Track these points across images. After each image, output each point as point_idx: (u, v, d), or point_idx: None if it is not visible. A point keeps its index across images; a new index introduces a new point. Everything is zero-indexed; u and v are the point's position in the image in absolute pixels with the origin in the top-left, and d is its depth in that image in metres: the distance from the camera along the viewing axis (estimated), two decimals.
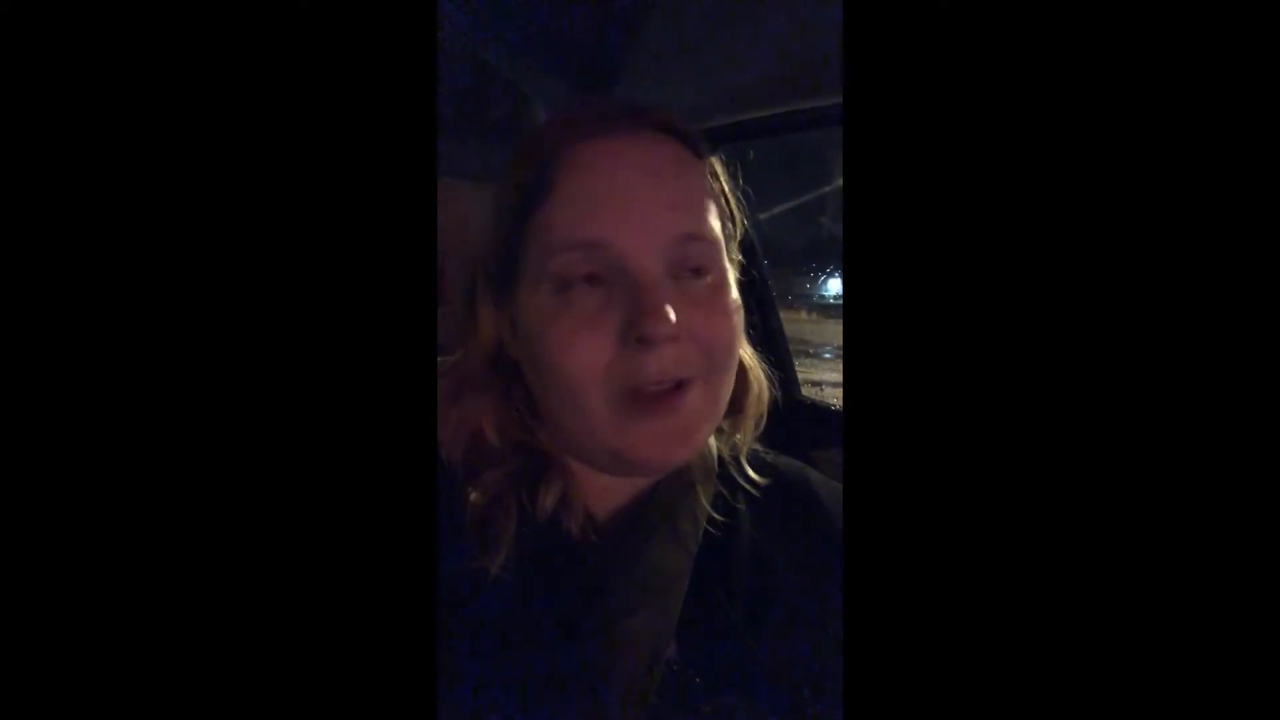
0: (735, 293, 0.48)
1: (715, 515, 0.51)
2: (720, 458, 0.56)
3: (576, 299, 0.44)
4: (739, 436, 0.55)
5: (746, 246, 0.53)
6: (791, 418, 1.26)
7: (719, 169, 0.51)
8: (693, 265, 0.45)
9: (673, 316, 0.42)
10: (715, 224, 0.47)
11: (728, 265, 0.49)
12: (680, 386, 0.44)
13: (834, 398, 1.36)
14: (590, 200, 0.44)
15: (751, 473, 0.55)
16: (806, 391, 1.40)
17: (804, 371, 1.45)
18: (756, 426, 0.55)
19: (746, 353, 0.54)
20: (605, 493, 0.51)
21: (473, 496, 0.46)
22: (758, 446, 0.58)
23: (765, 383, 0.55)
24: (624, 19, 0.68)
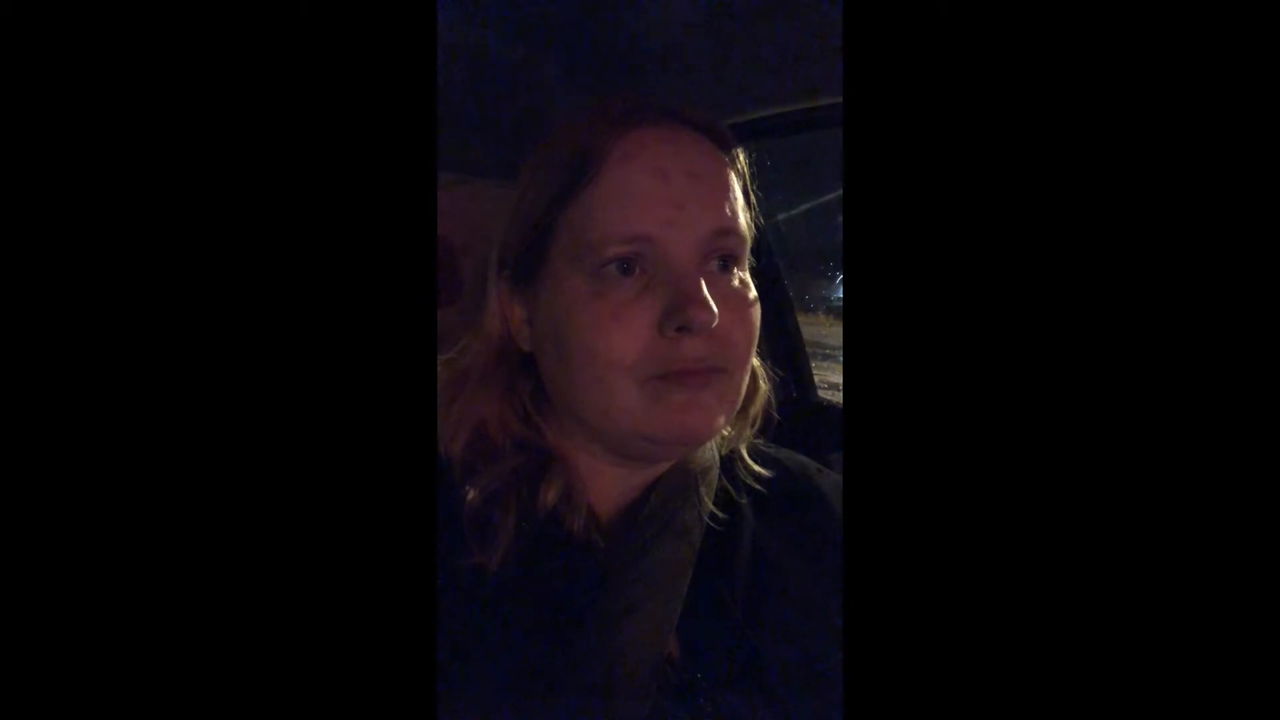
0: (754, 290, 0.49)
1: (717, 511, 0.51)
2: (720, 454, 0.56)
3: (614, 286, 0.44)
4: (742, 432, 0.56)
5: (755, 247, 0.54)
6: (807, 419, 1.25)
7: (744, 168, 0.51)
8: (724, 258, 0.46)
9: (715, 307, 0.43)
10: (743, 219, 0.48)
11: (747, 261, 0.50)
12: (707, 373, 0.45)
13: None
14: (636, 191, 0.44)
15: (754, 466, 0.55)
16: (822, 393, 1.38)
17: (819, 373, 1.44)
18: (753, 425, 0.56)
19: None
20: (607, 489, 0.51)
21: (472, 493, 0.46)
22: (758, 441, 0.58)
23: (767, 383, 0.56)
24: (627, 18, 0.67)
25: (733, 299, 0.46)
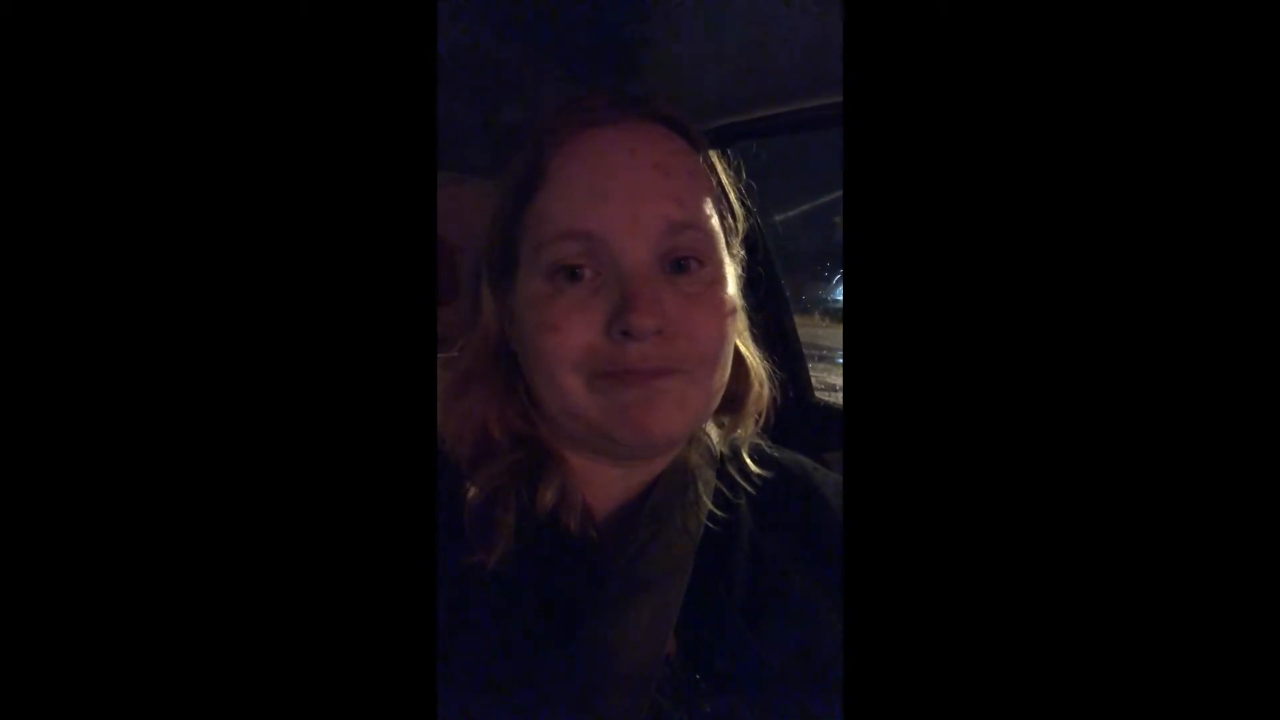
0: (732, 288, 0.48)
1: (716, 511, 0.51)
2: (721, 454, 0.55)
3: (567, 288, 0.44)
4: (739, 432, 0.55)
5: (751, 243, 0.53)
6: (804, 420, 1.25)
7: (716, 160, 0.50)
8: (684, 255, 0.45)
9: (658, 312, 0.42)
10: (711, 215, 0.47)
11: (725, 259, 0.48)
12: (657, 374, 0.44)
13: None
14: (581, 191, 0.44)
15: (753, 466, 0.55)
16: (820, 394, 1.39)
17: (816, 374, 1.44)
18: (757, 423, 0.55)
19: (748, 349, 0.54)
20: (605, 488, 0.51)
21: (472, 491, 0.46)
22: (760, 441, 0.57)
23: (766, 380, 0.55)
24: (632, 16, 0.67)
25: (695, 299, 0.45)
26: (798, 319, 1.41)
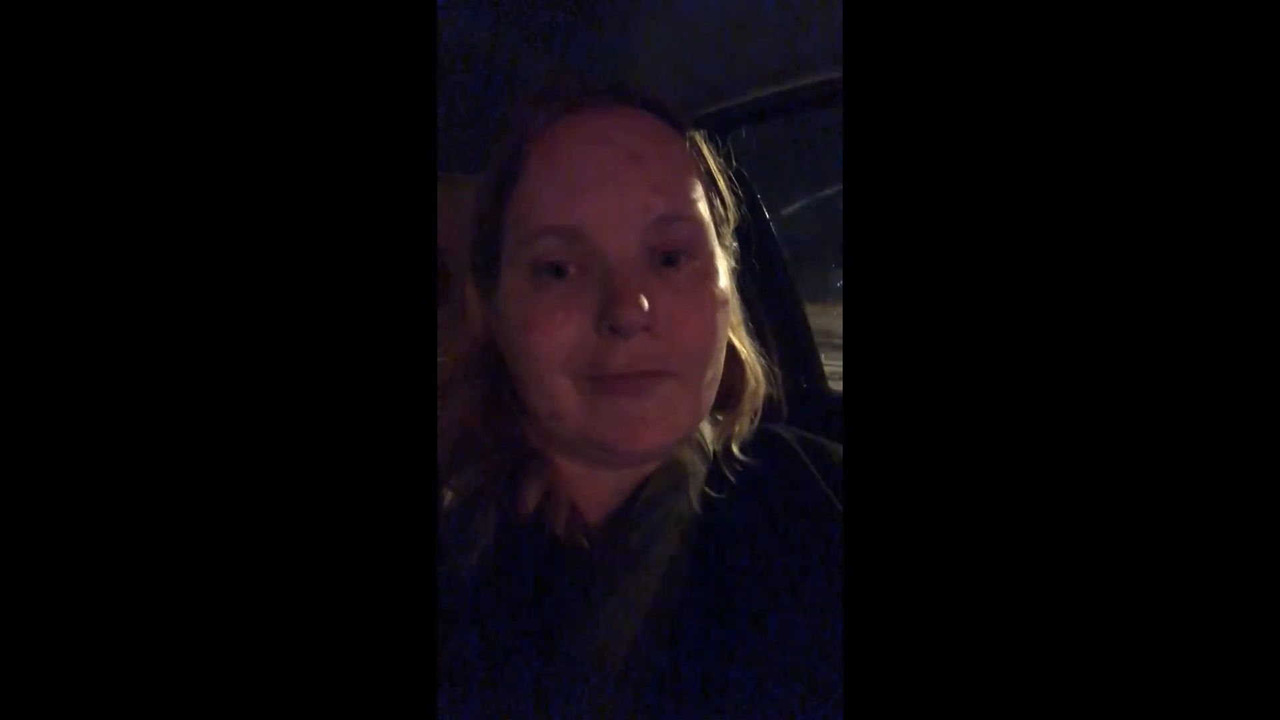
0: (724, 280, 0.46)
1: (709, 510, 0.49)
2: (715, 452, 0.53)
3: (551, 284, 0.42)
4: (735, 429, 0.53)
5: (743, 233, 0.51)
6: (820, 411, 1.24)
7: (704, 146, 0.48)
8: (674, 248, 0.43)
9: (646, 306, 0.40)
10: (700, 204, 0.45)
11: (717, 250, 0.46)
12: (645, 379, 0.42)
13: None
14: (561, 183, 0.42)
15: (742, 457, 0.52)
16: (833, 385, 1.37)
17: (831, 364, 1.42)
18: (752, 421, 0.53)
19: (743, 344, 0.52)
20: (595, 488, 0.49)
21: (458, 491, 0.45)
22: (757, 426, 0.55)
23: (762, 376, 0.53)
24: (626, 15, 0.67)
25: (685, 294, 0.43)
26: (810, 307, 1.39)
